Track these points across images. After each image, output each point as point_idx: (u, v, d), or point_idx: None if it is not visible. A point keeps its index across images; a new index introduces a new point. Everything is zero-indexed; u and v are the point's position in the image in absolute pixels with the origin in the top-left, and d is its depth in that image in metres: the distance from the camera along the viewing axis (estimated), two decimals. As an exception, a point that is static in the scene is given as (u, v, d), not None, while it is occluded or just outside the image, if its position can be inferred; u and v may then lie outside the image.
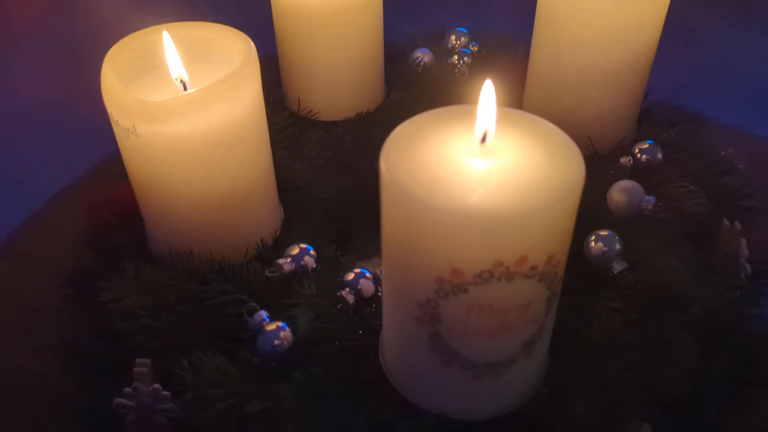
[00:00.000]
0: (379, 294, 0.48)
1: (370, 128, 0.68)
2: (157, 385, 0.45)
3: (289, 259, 0.49)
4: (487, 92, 0.36)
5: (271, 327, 0.44)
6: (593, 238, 0.49)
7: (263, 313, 0.45)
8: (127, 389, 0.45)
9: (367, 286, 0.48)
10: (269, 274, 0.48)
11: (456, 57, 0.72)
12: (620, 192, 0.52)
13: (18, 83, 1.64)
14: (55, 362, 0.55)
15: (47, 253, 0.71)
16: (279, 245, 0.53)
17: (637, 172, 0.57)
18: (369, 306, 0.47)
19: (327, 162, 0.66)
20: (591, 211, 0.53)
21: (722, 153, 0.60)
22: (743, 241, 0.51)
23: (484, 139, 0.35)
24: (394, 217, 0.36)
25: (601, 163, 0.59)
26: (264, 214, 0.53)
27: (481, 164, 0.35)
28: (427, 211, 0.33)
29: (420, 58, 0.72)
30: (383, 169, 0.35)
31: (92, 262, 0.57)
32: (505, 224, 0.32)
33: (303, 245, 0.50)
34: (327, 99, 0.67)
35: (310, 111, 0.68)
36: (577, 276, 0.49)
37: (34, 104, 1.55)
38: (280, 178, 0.59)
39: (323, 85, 0.67)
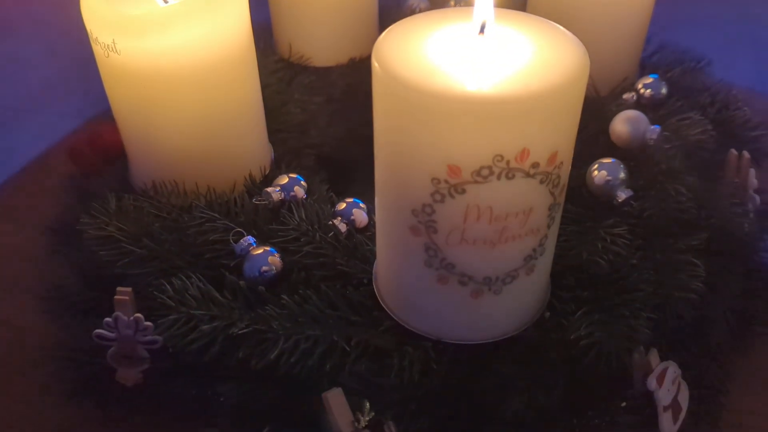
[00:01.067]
0: (373, 224, 0.46)
1: (364, 75, 0.65)
2: (138, 315, 0.43)
3: (278, 188, 0.47)
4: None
5: (258, 251, 0.42)
6: (596, 167, 0.47)
7: (250, 238, 0.43)
8: (108, 319, 0.43)
9: (360, 216, 0.46)
10: (257, 202, 0.46)
11: (453, 2, 0.70)
12: (623, 122, 0.50)
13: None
14: (38, 307, 0.53)
15: (34, 203, 0.70)
16: (268, 182, 0.51)
17: (640, 107, 0.54)
18: (363, 235, 0.45)
19: (319, 108, 0.64)
20: (593, 148, 0.51)
21: (734, 92, 0.58)
22: (752, 171, 0.49)
23: (482, 29, 0.33)
24: (387, 114, 0.33)
25: (602, 102, 0.57)
26: (252, 147, 0.51)
27: (480, 53, 0.33)
28: (420, 99, 0.31)
29: (416, 5, 0.70)
30: (375, 63, 0.33)
31: (75, 204, 0.55)
32: (505, 109, 0.30)
33: (293, 175, 0.48)
34: (319, 44, 0.65)
35: (302, 56, 0.65)
36: (581, 206, 0.47)
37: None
38: (271, 120, 0.57)
39: (315, 29, 0.64)
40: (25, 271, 0.61)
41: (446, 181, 0.33)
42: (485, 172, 0.32)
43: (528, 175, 0.33)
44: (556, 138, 0.32)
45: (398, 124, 0.33)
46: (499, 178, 0.32)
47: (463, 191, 0.33)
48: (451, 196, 0.33)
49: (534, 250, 0.36)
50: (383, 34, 0.34)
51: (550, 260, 0.40)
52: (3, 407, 0.50)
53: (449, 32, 0.34)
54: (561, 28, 0.35)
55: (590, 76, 0.57)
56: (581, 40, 0.57)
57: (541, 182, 0.33)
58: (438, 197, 0.33)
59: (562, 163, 0.34)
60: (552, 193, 0.35)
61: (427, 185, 0.33)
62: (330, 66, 0.66)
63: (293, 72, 0.64)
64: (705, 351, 0.47)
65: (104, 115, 0.63)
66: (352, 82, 0.65)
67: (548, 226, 0.36)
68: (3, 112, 1.44)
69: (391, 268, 0.39)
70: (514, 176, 0.32)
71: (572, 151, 0.35)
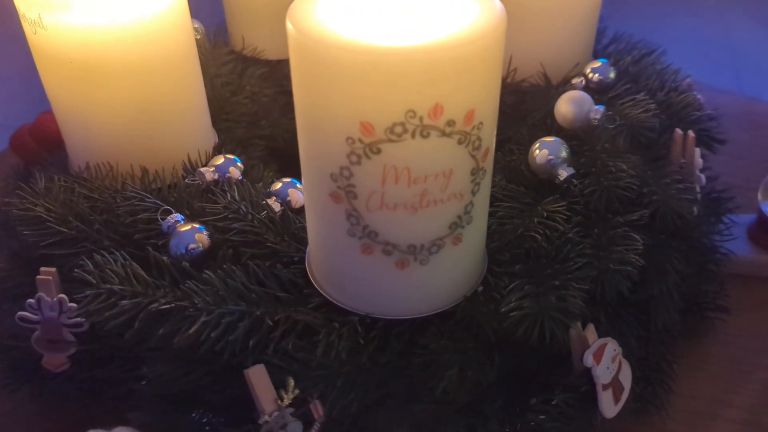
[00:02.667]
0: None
1: (318, 67, 0.65)
2: (62, 296, 0.41)
3: (212, 169, 0.46)
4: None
5: (186, 228, 0.41)
6: (537, 146, 0.46)
7: (178, 216, 0.42)
8: (30, 300, 0.42)
9: (296, 196, 0.45)
10: (188, 182, 0.45)
11: None
12: (567, 102, 0.49)
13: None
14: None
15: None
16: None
17: (589, 92, 0.54)
18: (297, 217, 0.44)
19: (271, 100, 0.63)
20: (540, 133, 0.50)
21: (685, 78, 0.57)
22: (697, 150, 0.49)
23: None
24: (302, 76, 0.33)
25: (550, 89, 0.56)
26: (191, 131, 0.50)
27: (393, 11, 0.32)
28: (329, 53, 0.30)
29: None
30: (288, 24, 0.32)
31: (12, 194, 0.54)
32: (413, 61, 0.29)
33: (230, 156, 0.47)
34: (272, 37, 0.64)
35: (255, 49, 0.65)
36: (522, 185, 0.46)
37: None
38: (217, 109, 0.56)
39: (268, 22, 0.64)
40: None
41: (360, 141, 0.32)
42: (399, 129, 0.31)
43: (444, 133, 0.32)
44: (472, 95, 0.31)
45: (312, 84, 0.32)
46: (413, 136, 0.31)
47: (379, 151, 0.32)
48: (367, 156, 0.32)
49: (459, 217, 0.35)
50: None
51: (482, 232, 0.39)
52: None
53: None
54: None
55: (542, 65, 0.58)
56: (532, 26, 0.58)
57: (460, 143, 0.32)
58: (354, 158, 0.32)
59: (482, 123, 0.33)
60: (473, 156, 0.34)
61: (342, 146, 0.32)
62: (283, 59, 0.65)
63: (245, 64, 0.64)
64: (651, 333, 0.46)
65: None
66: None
67: (473, 193, 0.35)
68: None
69: (317, 241, 0.38)
70: (429, 134, 0.31)
71: (496, 115, 0.34)
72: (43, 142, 0.55)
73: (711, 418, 0.47)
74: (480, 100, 0.32)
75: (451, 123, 0.31)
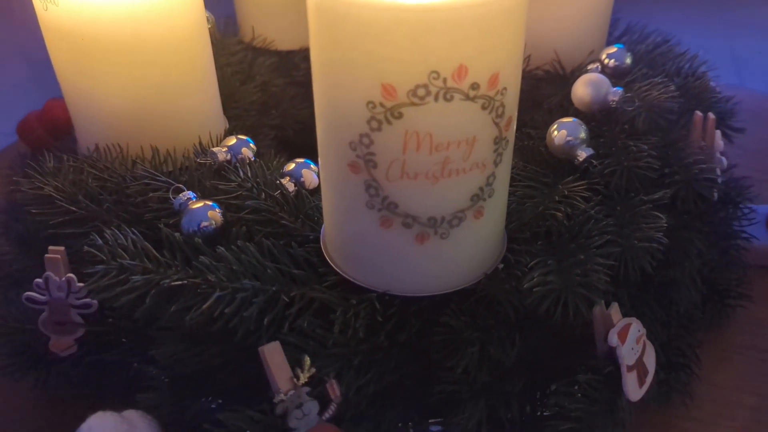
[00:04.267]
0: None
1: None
2: (71, 275, 0.40)
3: (224, 149, 0.45)
4: None
5: (198, 205, 0.40)
6: (555, 127, 0.46)
7: (190, 193, 0.41)
8: (38, 280, 0.41)
9: (309, 177, 0.44)
10: (200, 161, 0.44)
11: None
12: (585, 85, 0.48)
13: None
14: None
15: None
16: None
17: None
18: (313, 196, 0.43)
19: (281, 90, 0.62)
20: (556, 117, 0.49)
21: (700, 65, 0.56)
22: (718, 132, 0.48)
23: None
24: (320, 38, 0.32)
25: (567, 76, 0.55)
26: (202, 114, 0.49)
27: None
28: (350, 11, 0.29)
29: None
30: (308, -14, 0.31)
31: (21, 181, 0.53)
32: (437, 19, 0.28)
33: (242, 137, 0.46)
34: (282, 27, 0.64)
35: (265, 39, 0.64)
36: (542, 166, 0.45)
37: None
38: (227, 98, 0.56)
39: (278, 12, 0.63)
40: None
41: (382, 105, 0.31)
42: (422, 92, 0.30)
43: (468, 97, 0.31)
44: (496, 57, 0.31)
45: (331, 47, 0.31)
46: (437, 99, 0.30)
47: (400, 115, 0.31)
48: (388, 121, 0.31)
49: (481, 189, 0.34)
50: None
51: (503, 207, 0.38)
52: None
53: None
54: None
55: (555, 52, 0.57)
56: (546, 14, 0.57)
57: (483, 108, 0.32)
58: (375, 124, 0.32)
59: (505, 89, 0.32)
60: (497, 124, 0.33)
61: (363, 111, 0.31)
62: (293, 50, 0.65)
63: (255, 54, 0.63)
64: (673, 318, 0.44)
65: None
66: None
67: (495, 164, 0.34)
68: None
69: (334, 217, 0.37)
70: (452, 98, 0.31)
71: (519, 82, 0.34)
72: (50, 129, 0.54)
73: (735, 407, 0.46)
74: (504, 64, 0.31)
75: (475, 86, 0.31)
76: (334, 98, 0.33)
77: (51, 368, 0.44)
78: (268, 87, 0.62)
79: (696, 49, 0.58)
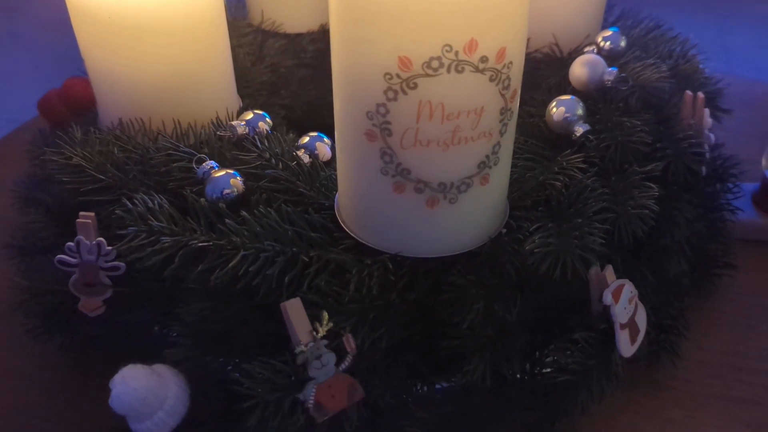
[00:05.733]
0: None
1: (334, 41, 0.67)
2: (101, 239, 0.43)
3: (242, 122, 0.47)
4: None
5: (221, 173, 0.43)
6: (554, 104, 0.48)
7: (212, 162, 0.44)
8: (70, 243, 0.43)
9: (323, 149, 0.47)
10: (220, 134, 0.46)
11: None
12: (582, 65, 0.51)
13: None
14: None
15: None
16: (232, 124, 0.52)
17: (600, 59, 0.56)
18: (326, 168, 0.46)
19: (290, 71, 0.65)
20: (555, 95, 0.52)
21: (691, 48, 0.59)
22: (706, 110, 0.51)
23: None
24: (341, 14, 0.34)
25: (564, 58, 0.58)
26: (219, 91, 0.52)
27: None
28: (371, -12, 0.32)
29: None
30: (330, -35, 0.34)
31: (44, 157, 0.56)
32: (452, -5, 0.31)
33: (258, 111, 0.49)
34: (290, 10, 0.66)
35: (273, 22, 0.67)
36: (541, 141, 0.48)
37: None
38: (239, 78, 0.58)
39: (286, -6, 0.66)
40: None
41: (398, 76, 0.34)
42: (435, 63, 0.33)
43: (477, 69, 0.34)
44: (503, 32, 0.33)
45: (351, 22, 0.34)
46: (449, 71, 0.33)
47: (415, 86, 0.34)
48: (404, 92, 0.34)
49: (487, 156, 0.37)
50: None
51: (506, 175, 0.40)
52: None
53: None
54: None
55: (553, 35, 0.60)
56: (545, 1, 0.60)
57: (491, 80, 0.34)
58: (391, 94, 0.34)
59: (511, 63, 0.35)
60: (503, 95, 0.36)
61: (380, 82, 0.34)
62: (301, 32, 0.67)
63: (264, 36, 0.66)
64: (663, 284, 0.48)
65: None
66: (322, 48, 0.66)
67: (501, 133, 0.37)
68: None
69: (349, 184, 0.40)
70: (463, 69, 0.33)
71: (523, 57, 0.36)
72: (71, 106, 0.56)
73: (718, 367, 0.49)
74: (510, 38, 0.34)
75: (484, 59, 0.33)
76: (352, 71, 0.35)
77: (79, 328, 0.46)
78: (277, 68, 0.64)
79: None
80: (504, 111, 0.36)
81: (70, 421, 0.47)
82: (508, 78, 0.35)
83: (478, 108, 0.35)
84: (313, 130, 0.63)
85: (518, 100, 0.38)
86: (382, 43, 0.33)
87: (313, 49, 0.66)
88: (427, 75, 0.33)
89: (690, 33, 0.61)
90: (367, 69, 0.34)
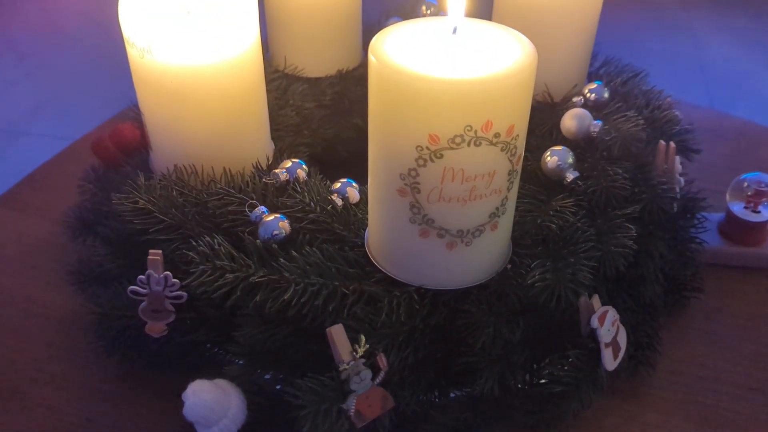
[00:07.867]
0: (363, 200, 0.54)
1: (350, 84, 0.75)
2: (167, 272, 0.51)
3: (284, 171, 0.55)
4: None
5: (270, 218, 0.50)
6: (548, 153, 0.57)
7: (263, 208, 0.51)
8: (141, 276, 0.51)
9: (353, 193, 0.55)
10: (267, 181, 0.54)
11: (425, 10, 0.80)
12: (572, 118, 0.60)
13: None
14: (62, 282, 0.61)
15: (50, 198, 0.77)
16: (272, 168, 0.59)
17: (586, 109, 0.64)
18: (356, 208, 0.54)
19: (311, 113, 0.73)
20: (548, 142, 0.61)
21: (666, 98, 0.68)
22: (677, 158, 0.59)
23: (455, 31, 0.43)
24: (380, 98, 0.42)
25: (555, 105, 0.66)
26: (259, 139, 0.60)
27: (453, 48, 0.42)
28: (409, 81, 0.40)
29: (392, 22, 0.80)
30: (371, 56, 0.42)
31: (97, 192, 0.63)
32: (474, 88, 0.39)
33: (295, 160, 0.56)
34: (311, 57, 0.74)
35: (296, 68, 0.75)
36: (537, 186, 0.56)
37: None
38: (270, 121, 0.66)
39: (307, 44, 0.73)
40: (51, 256, 0.69)
41: (428, 148, 0.42)
42: (458, 139, 0.41)
43: (491, 143, 0.42)
44: (513, 113, 0.42)
45: (389, 105, 0.42)
46: (469, 145, 0.41)
47: (441, 156, 0.42)
48: (432, 160, 0.42)
49: (497, 208, 0.46)
50: (376, 36, 0.43)
51: (511, 222, 0.49)
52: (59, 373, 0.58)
53: (428, 33, 0.44)
54: (513, 30, 0.44)
55: (545, 85, 0.68)
56: (539, 57, 0.68)
57: (502, 150, 0.43)
58: (421, 162, 0.42)
59: (518, 135, 0.43)
60: (510, 161, 0.44)
61: (412, 152, 0.42)
62: (320, 77, 0.75)
63: (288, 81, 0.73)
64: (640, 306, 0.56)
65: (121, 115, 0.72)
66: (340, 90, 0.74)
67: (508, 189, 0.45)
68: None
69: (381, 228, 0.48)
70: (480, 143, 0.41)
71: (526, 129, 0.45)
72: (122, 148, 0.64)
73: (689, 377, 0.58)
74: (517, 118, 0.42)
75: (497, 135, 0.42)
76: (389, 142, 0.43)
77: (144, 347, 0.54)
78: (300, 110, 0.72)
79: (666, 58, 0.69)
80: (511, 172, 0.45)
81: (137, 427, 0.55)
82: (515, 147, 0.43)
83: (491, 172, 0.43)
84: (333, 164, 0.71)
85: (522, 161, 0.46)
86: (416, 123, 0.41)
87: (331, 92, 0.74)
88: (452, 148, 0.41)
89: (665, 52, 0.69)
90: (403, 141, 0.42)
